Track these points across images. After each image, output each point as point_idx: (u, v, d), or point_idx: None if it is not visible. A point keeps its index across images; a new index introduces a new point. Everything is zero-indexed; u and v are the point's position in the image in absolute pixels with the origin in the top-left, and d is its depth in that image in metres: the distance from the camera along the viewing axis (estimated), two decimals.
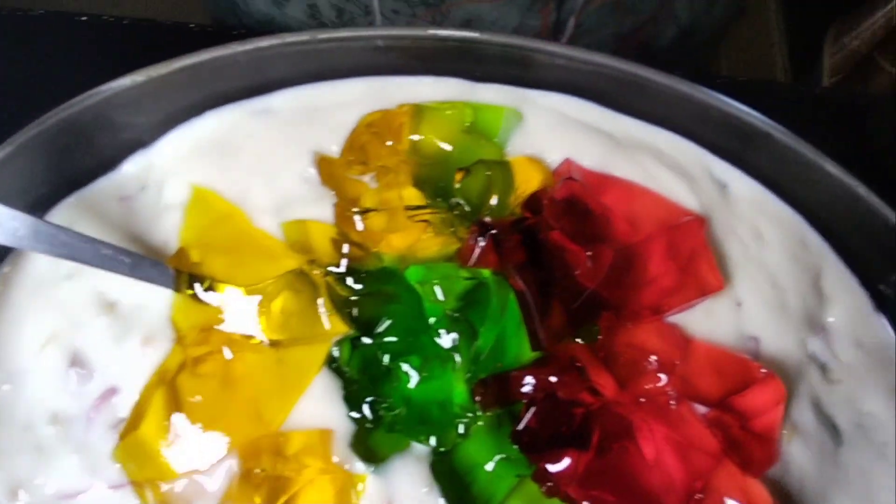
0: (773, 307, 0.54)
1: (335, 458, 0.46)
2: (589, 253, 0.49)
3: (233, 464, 0.45)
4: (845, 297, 0.56)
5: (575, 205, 0.51)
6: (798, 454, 0.49)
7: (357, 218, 0.50)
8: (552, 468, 0.46)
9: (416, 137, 0.55)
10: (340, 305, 0.49)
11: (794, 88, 0.93)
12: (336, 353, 0.49)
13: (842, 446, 0.51)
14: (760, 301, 0.54)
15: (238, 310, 0.49)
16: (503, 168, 0.52)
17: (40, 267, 0.50)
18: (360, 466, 0.46)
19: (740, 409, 0.49)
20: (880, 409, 0.52)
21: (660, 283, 0.52)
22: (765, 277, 0.55)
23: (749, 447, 0.48)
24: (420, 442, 0.46)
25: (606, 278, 0.50)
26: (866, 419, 0.52)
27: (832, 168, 0.53)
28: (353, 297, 0.49)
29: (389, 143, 0.55)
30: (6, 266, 0.50)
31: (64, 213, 0.52)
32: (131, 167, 0.54)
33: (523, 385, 0.46)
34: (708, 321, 0.52)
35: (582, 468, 0.46)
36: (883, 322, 0.55)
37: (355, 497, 0.45)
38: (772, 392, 0.50)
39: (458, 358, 0.48)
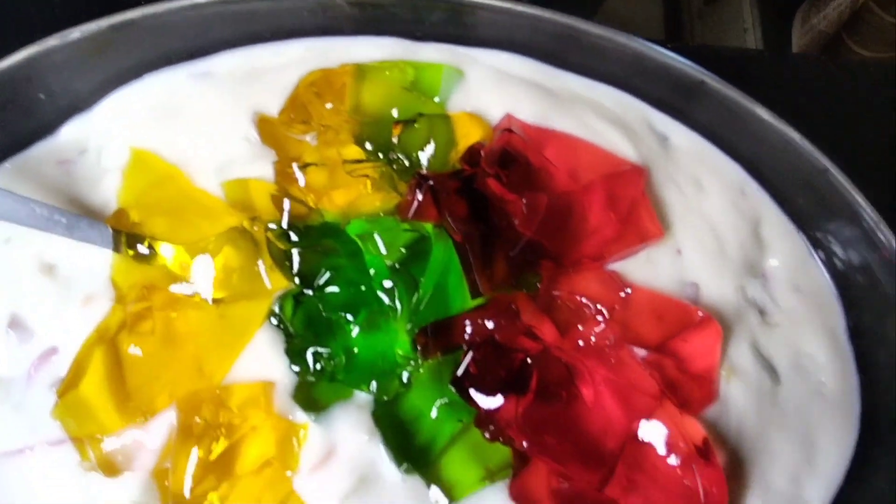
0: (712, 254, 0.55)
1: (277, 409, 0.46)
2: (524, 200, 0.50)
3: (173, 418, 0.45)
4: (784, 244, 0.57)
5: (511, 155, 0.52)
6: (737, 394, 0.51)
7: (298, 173, 0.51)
8: (492, 412, 0.46)
9: (358, 97, 0.56)
10: (281, 260, 0.49)
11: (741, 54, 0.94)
12: (278, 309, 0.49)
13: (779, 386, 0.52)
14: (700, 248, 0.55)
15: (180, 267, 0.49)
16: (442, 121, 0.53)
17: None
18: (302, 416, 0.46)
19: (679, 351, 0.51)
20: (817, 349, 0.54)
21: (601, 234, 0.53)
22: (704, 226, 0.56)
23: (687, 387, 0.50)
24: (363, 390, 0.47)
25: (545, 227, 0.51)
26: (804, 360, 0.53)
27: (766, 115, 0.54)
28: (294, 251, 0.49)
29: (331, 103, 0.55)
30: None
31: (0, 179, 0.52)
32: (70, 131, 0.54)
33: (462, 330, 0.47)
34: (648, 268, 0.53)
35: (522, 412, 0.46)
36: (820, 267, 0.57)
37: (297, 445, 0.45)
38: (709, 334, 0.51)
39: (399, 308, 0.48)
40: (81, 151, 0.54)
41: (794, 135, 0.53)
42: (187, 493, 0.43)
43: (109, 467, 0.44)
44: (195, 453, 0.44)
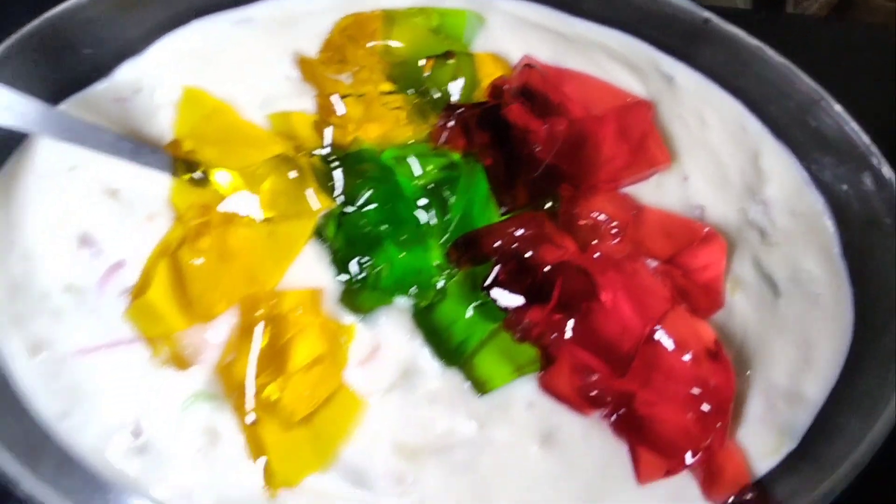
0: (716, 181, 0.60)
1: (326, 313, 0.51)
2: (545, 126, 0.55)
3: (233, 318, 0.50)
4: (781, 174, 0.62)
5: (531, 88, 0.57)
6: (741, 303, 0.56)
7: (339, 102, 0.56)
8: (521, 315, 0.51)
9: (388, 40, 0.61)
10: (324, 182, 0.54)
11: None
12: (321, 229, 0.54)
13: (779, 297, 0.57)
14: (704, 176, 0.60)
15: (232, 191, 0.54)
16: (469, 57, 0.58)
17: (45, 159, 0.55)
18: (349, 318, 0.51)
19: (687, 263, 0.56)
20: (813, 265, 0.59)
21: (614, 161, 0.58)
22: (709, 156, 0.61)
23: (695, 295, 0.55)
24: (403, 295, 0.52)
25: (564, 153, 0.56)
26: (801, 274, 0.59)
27: (764, 48, 0.59)
28: (337, 174, 0.54)
29: (365, 45, 0.61)
30: (13, 158, 0.55)
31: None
32: (125, 73, 0.59)
33: (491, 241, 0.52)
34: (658, 192, 0.59)
35: (546, 315, 0.51)
36: (815, 193, 0.62)
37: (345, 343, 0.50)
38: (715, 247, 0.56)
39: (433, 224, 0.53)
40: (136, 90, 0.59)
41: (791, 67, 0.58)
42: (249, 383, 0.48)
43: (179, 361, 0.49)
44: (255, 347, 0.48)
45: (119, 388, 0.49)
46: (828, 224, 0.61)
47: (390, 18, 0.61)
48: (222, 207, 0.54)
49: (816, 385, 0.55)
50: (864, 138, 0.57)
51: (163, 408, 0.49)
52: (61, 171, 0.55)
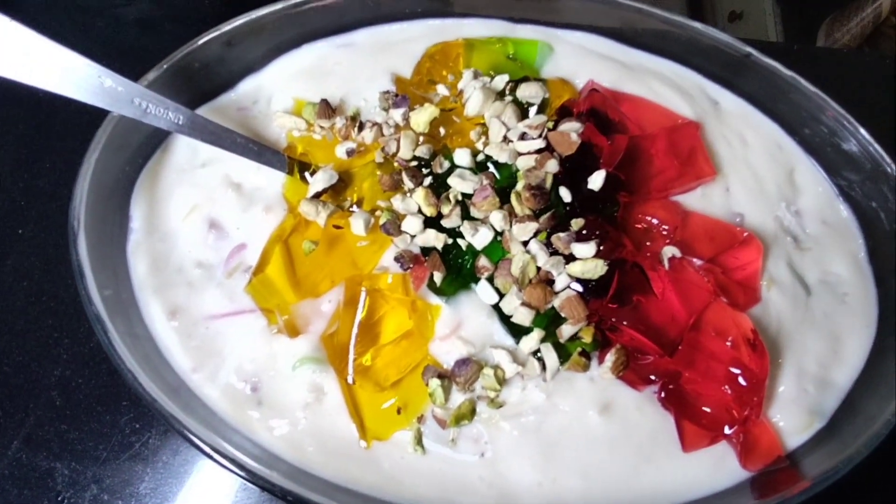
0: (754, 192, 0.63)
1: (416, 294, 0.56)
2: (609, 141, 0.59)
3: (336, 296, 0.55)
4: (813, 187, 0.65)
5: (596, 108, 0.61)
6: (776, 299, 0.59)
7: None
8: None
9: (469, 64, 0.66)
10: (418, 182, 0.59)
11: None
12: None
13: (810, 296, 0.60)
14: (745, 188, 0.63)
15: (336, 188, 0.59)
16: (542, 82, 0.63)
17: (180, 157, 0.61)
18: (435, 299, 0.56)
19: (728, 263, 0.59)
20: (842, 269, 0.62)
21: (665, 175, 0.62)
22: (748, 171, 0.65)
23: (734, 291, 0.58)
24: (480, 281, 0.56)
25: (623, 165, 0.60)
26: (830, 277, 0.61)
27: (801, 81, 0.63)
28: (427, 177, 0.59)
29: (448, 68, 0.66)
30: (156, 156, 0.61)
31: None
32: (246, 86, 0.65)
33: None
34: (703, 201, 0.62)
35: (605, 304, 0.55)
36: (844, 205, 0.65)
37: (431, 319, 0.55)
38: (752, 249, 0.59)
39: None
40: (255, 101, 0.65)
41: (823, 95, 0.61)
42: (351, 347, 0.53)
43: (292, 330, 0.54)
44: (358, 315, 0.53)
45: (240, 350, 0.54)
46: (855, 232, 0.64)
47: (471, 46, 0.66)
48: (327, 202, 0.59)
49: (843, 373, 0.57)
50: (889, 160, 0.60)
51: (276, 368, 0.54)
52: (195, 166, 0.61)
